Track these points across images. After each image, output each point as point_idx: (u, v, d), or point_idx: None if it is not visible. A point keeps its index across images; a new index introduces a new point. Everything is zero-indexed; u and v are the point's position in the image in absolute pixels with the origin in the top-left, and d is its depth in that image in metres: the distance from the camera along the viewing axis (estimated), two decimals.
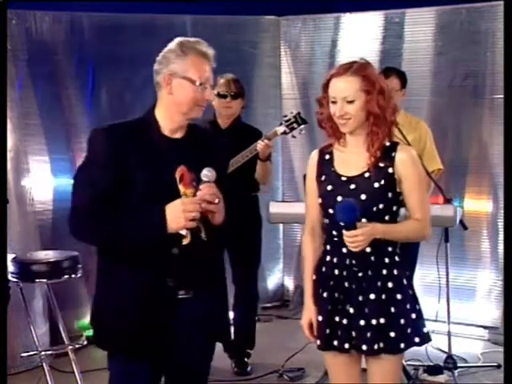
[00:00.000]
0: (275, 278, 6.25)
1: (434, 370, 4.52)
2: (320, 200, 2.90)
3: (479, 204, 5.37)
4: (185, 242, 2.58)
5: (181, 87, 2.60)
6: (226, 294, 2.83)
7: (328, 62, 5.86)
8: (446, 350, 4.55)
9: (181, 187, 2.59)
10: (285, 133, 4.43)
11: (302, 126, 4.41)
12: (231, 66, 5.32)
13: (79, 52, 5.30)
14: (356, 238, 2.72)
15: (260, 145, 4.37)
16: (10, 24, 4.80)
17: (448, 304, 4.52)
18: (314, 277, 2.95)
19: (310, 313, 2.94)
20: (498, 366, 4.61)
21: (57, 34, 5.24)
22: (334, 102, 2.85)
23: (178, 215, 2.50)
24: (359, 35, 5.71)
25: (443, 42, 5.45)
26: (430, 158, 4.66)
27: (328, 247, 2.92)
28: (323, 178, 2.91)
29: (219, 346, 4.82)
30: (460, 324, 5.19)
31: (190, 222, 2.52)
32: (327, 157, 2.94)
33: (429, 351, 4.67)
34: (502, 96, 4.81)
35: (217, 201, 2.58)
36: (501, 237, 5.21)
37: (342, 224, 2.74)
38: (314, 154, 3.00)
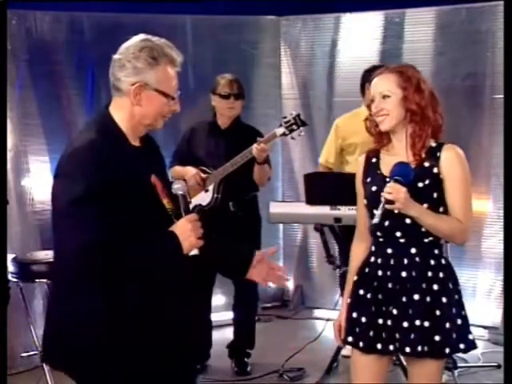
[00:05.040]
0: None
1: None
2: (365, 201, 2.90)
3: (479, 204, 5.36)
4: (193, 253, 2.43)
5: (151, 100, 2.40)
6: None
7: (328, 61, 5.86)
8: None
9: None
10: (284, 134, 4.41)
11: (302, 128, 4.39)
12: (231, 66, 5.34)
13: (79, 52, 5.31)
14: (398, 194, 2.65)
15: (255, 149, 4.35)
16: (10, 24, 4.79)
17: None
18: (356, 277, 2.92)
19: (342, 315, 2.94)
20: (498, 366, 4.61)
21: (57, 34, 5.24)
22: (373, 101, 2.83)
23: (188, 235, 2.36)
24: (359, 35, 5.71)
25: (443, 42, 5.44)
26: None
27: (373, 248, 2.90)
28: (369, 179, 2.91)
29: (220, 345, 4.84)
30: None
31: (200, 241, 2.39)
32: (374, 160, 2.93)
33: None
34: (502, 96, 4.81)
35: None
36: (501, 237, 5.20)
37: (392, 179, 2.70)
38: (362, 158, 2.99)
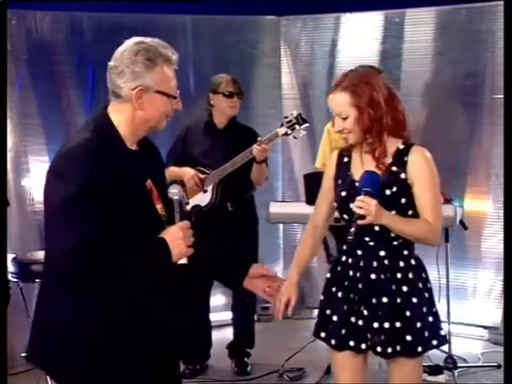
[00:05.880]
0: None
1: (434, 369, 4.52)
2: (335, 205, 2.93)
3: (479, 204, 5.37)
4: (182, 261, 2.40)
5: (153, 102, 2.37)
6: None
7: (328, 61, 5.86)
8: (446, 350, 4.54)
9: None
10: (286, 134, 4.40)
11: (303, 126, 4.38)
12: (231, 66, 5.34)
13: (79, 52, 5.31)
14: (369, 207, 2.67)
15: (256, 149, 4.34)
16: (10, 24, 4.80)
17: (448, 304, 4.52)
18: (329, 275, 2.98)
19: (291, 287, 2.91)
20: (498, 366, 4.61)
21: (57, 34, 5.24)
22: (334, 117, 2.88)
23: (178, 243, 2.33)
24: (359, 35, 5.71)
25: (443, 42, 5.44)
26: None
27: (344, 247, 2.93)
28: (339, 181, 2.93)
29: (220, 345, 4.84)
30: (460, 324, 5.19)
31: (190, 249, 2.36)
32: (346, 159, 2.95)
33: (429, 351, 4.67)
34: (502, 96, 4.81)
35: None
36: (501, 237, 5.20)
37: (361, 191, 2.71)
38: (334, 155, 3.02)
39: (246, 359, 4.84)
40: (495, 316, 5.32)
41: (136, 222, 2.35)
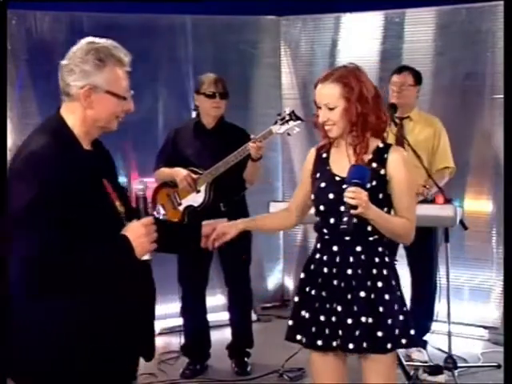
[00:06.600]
0: (275, 278, 6.25)
1: (434, 369, 4.52)
2: (313, 197, 2.96)
3: (479, 204, 5.37)
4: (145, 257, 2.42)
5: (102, 102, 2.38)
6: None
7: (328, 61, 5.86)
8: (446, 350, 4.54)
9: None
10: (280, 131, 4.37)
11: (297, 123, 4.36)
12: (231, 66, 5.34)
13: None
14: (360, 198, 2.69)
15: (252, 147, 4.33)
16: (10, 24, 4.80)
17: (448, 304, 4.52)
18: (303, 275, 2.99)
19: (231, 225, 2.96)
20: (498, 366, 4.61)
21: (57, 33, 5.24)
22: (319, 108, 2.89)
23: (141, 240, 2.34)
24: (359, 35, 5.71)
25: (443, 42, 5.45)
26: (444, 155, 4.76)
27: (318, 245, 2.96)
28: (318, 175, 2.97)
29: (219, 346, 4.84)
30: (460, 324, 5.19)
31: (153, 244, 2.38)
32: (324, 155, 3.00)
33: (429, 351, 4.67)
34: (502, 96, 4.81)
35: None
36: (501, 237, 5.21)
37: (350, 183, 2.73)
38: (312, 151, 3.06)
39: (245, 359, 4.84)
40: (495, 316, 5.33)
41: (97, 220, 2.34)
